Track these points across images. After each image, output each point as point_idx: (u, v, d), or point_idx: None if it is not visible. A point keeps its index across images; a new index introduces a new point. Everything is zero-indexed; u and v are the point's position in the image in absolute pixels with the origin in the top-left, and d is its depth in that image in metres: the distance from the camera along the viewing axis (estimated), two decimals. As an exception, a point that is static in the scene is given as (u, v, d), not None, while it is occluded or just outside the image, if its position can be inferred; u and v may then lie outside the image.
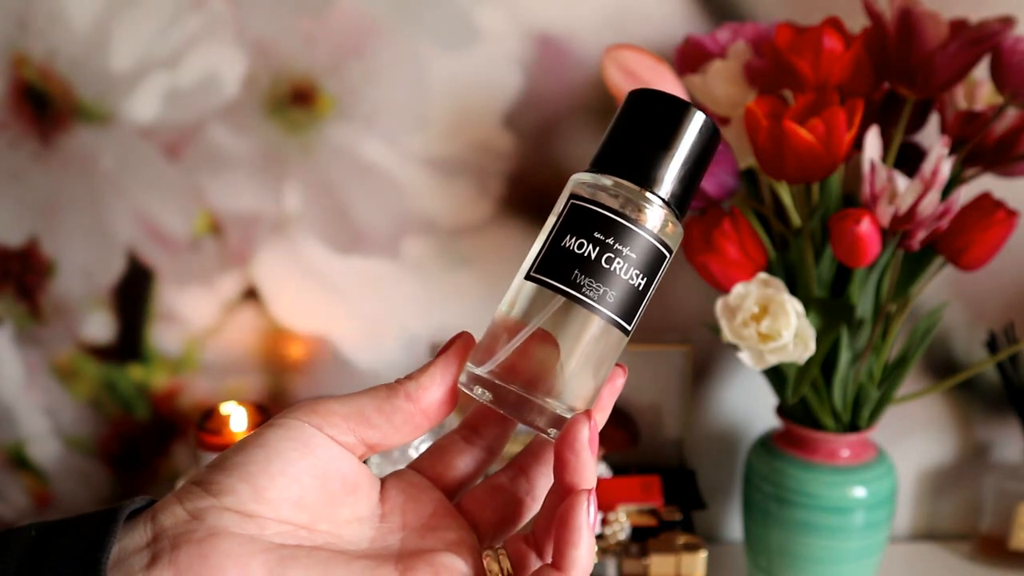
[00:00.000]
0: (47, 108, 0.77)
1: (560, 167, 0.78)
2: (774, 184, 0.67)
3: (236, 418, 0.73)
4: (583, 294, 0.32)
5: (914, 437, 0.87)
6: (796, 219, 0.67)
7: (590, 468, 0.31)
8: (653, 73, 0.66)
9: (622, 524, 0.72)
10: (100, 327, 0.83)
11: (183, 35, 0.75)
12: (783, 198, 0.68)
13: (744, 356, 0.63)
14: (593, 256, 0.33)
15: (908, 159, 0.69)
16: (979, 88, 0.68)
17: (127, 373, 0.84)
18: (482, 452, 0.36)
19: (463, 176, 0.79)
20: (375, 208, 0.80)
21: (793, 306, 0.62)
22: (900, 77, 0.63)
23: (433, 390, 0.33)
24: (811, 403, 0.69)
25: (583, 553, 0.30)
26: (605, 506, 0.73)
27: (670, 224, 0.34)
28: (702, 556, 0.68)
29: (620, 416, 0.85)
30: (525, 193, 0.79)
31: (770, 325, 0.61)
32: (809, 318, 0.63)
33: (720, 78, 0.67)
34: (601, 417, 0.34)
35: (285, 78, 0.77)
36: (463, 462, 0.35)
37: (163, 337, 0.83)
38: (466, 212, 0.80)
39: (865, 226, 0.59)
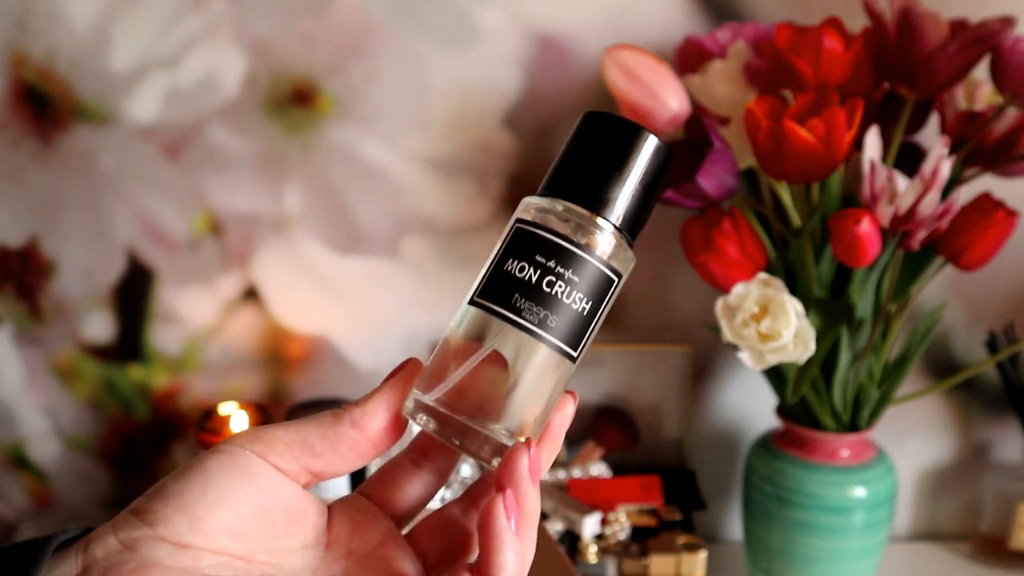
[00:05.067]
0: (47, 108, 0.77)
1: (560, 167, 0.78)
2: (774, 184, 0.67)
3: (236, 418, 0.73)
4: (523, 318, 0.32)
5: (914, 437, 0.87)
6: (796, 219, 0.67)
7: (531, 498, 0.31)
8: (653, 73, 0.66)
9: (622, 524, 0.72)
10: (100, 327, 0.83)
11: (183, 35, 0.75)
12: (783, 198, 0.68)
13: (744, 356, 0.63)
14: (534, 280, 0.32)
15: (908, 159, 0.69)
16: (979, 88, 0.68)
17: (127, 373, 0.84)
18: (431, 475, 0.35)
19: (463, 176, 0.79)
20: (375, 208, 0.80)
21: (793, 306, 0.62)
22: (900, 77, 0.63)
23: (378, 416, 0.32)
24: (811, 403, 0.69)
25: (508, 558, 0.30)
26: (605, 506, 0.73)
27: (620, 249, 0.33)
28: (702, 556, 0.68)
29: (620, 416, 0.85)
30: (525, 193, 0.78)
31: (770, 325, 0.61)
32: (809, 318, 0.63)
33: (720, 78, 0.67)
34: (552, 447, 0.33)
35: (285, 78, 0.77)
36: (412, 487, 0.34)
37: (163, 337, 0.83)
38: (466, 212, 0.80)
39: (865, 226, 0.59)
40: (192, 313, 0.82)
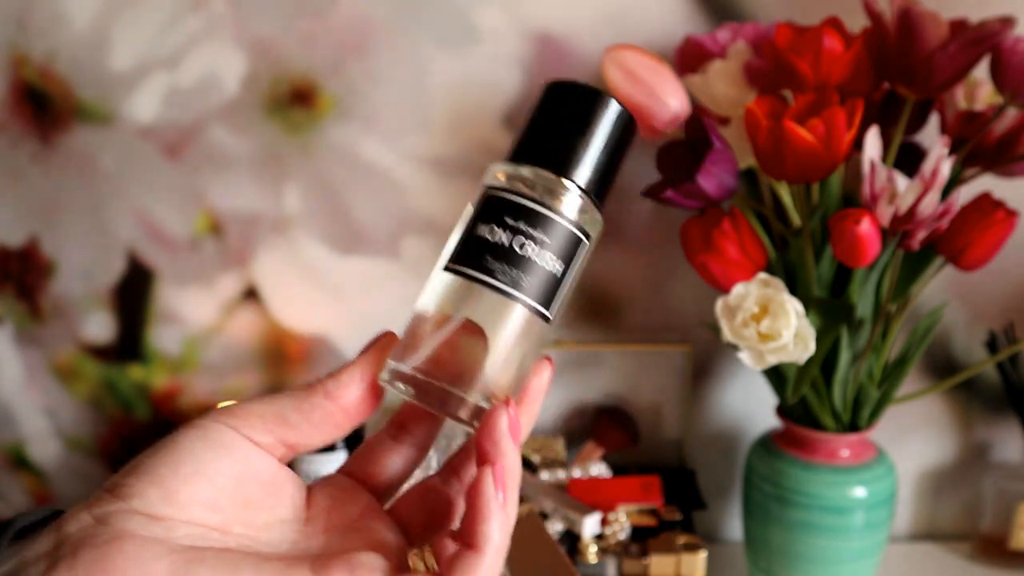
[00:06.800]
0: (47, 108, 0.77)
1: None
2: (774, 184, 0.67)
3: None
4: (496, 279, 0.33)
5: (914, 437, 0.87)
6: (796, 219, 0.67)
7: (510, 457, 0.31)
8: (653, 73, 0.66)
9: (622, 524, 0.72)
10: (100, 327, 0.83)
11: (183, 35, 0.75)
12: (783, 198, 0.68)
13: (744, 356, 0.63)
14: (505, 242, 0.33)
15: (908, 159, 0.69)
16: (979, 88, 0.68)
17: (127, 373, 0.84)
18: (411, 449, 0.35)
19: (463, 176, 0.79)
20: (375, 208, 0.80)
21: (793, 306, 0.62)
22: (900, 77, 0.63)
23: (353, 387, 0.33)
24: (811, 403, 0.69)
25: (494, 528, 0.30)
26: (605, 506, 0.73)
27: (588, 211, 0.34)
28: (702, 556, 0.68)
29: (620, 416, 0.85)
30: (525, 193, 0.79)
31: (770, 325, 0.61)
32: (809, 318, 0.63)
33: (720, 78, 0.67)
34: (531, 410, 0.34)
35: (285, 78, 0.77)
36: (393, 461, 0.35)
37: (163, 337, 0.83)
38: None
39: (865, 226, 0.59)
40: (192, 313, 0.82)
